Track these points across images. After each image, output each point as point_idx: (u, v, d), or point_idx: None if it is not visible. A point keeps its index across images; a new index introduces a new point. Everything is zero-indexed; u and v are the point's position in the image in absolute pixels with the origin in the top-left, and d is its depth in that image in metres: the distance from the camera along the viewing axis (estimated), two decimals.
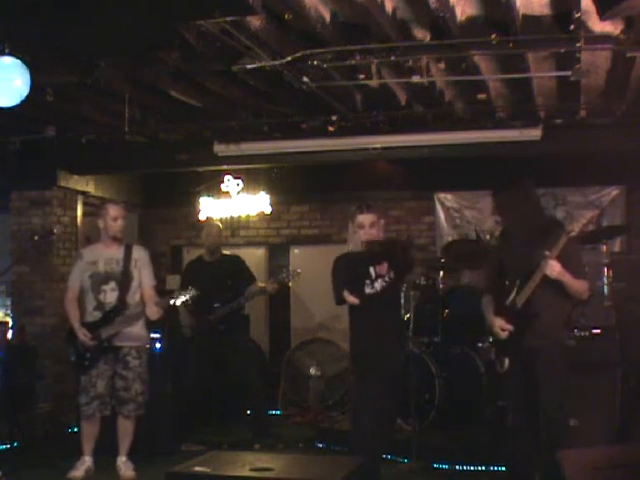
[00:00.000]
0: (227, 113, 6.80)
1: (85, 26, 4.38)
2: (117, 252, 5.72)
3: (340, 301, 5.08)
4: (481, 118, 6.94)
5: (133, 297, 5.69)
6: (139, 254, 5.78)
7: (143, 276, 5.73)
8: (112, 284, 5.65)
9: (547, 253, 4.34)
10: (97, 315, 5.63)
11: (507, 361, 4.55)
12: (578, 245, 4.75)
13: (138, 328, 5.69)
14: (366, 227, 5.02)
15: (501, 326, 4.54)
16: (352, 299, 4.98)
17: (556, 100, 6.47)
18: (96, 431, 5.64)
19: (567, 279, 4.39)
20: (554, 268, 4.33)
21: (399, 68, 5.45)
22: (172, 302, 5.71)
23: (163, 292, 5.91)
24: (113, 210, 5.73)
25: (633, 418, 5.67)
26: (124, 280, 5.65)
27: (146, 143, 7.54)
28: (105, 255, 5.71)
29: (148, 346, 5.88)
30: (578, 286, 4.46)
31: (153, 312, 5.63)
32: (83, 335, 5.54)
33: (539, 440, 4.49)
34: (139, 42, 4.73)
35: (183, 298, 5.69)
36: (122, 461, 5.66)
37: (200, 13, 4.23)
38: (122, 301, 5.62)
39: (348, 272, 5.08)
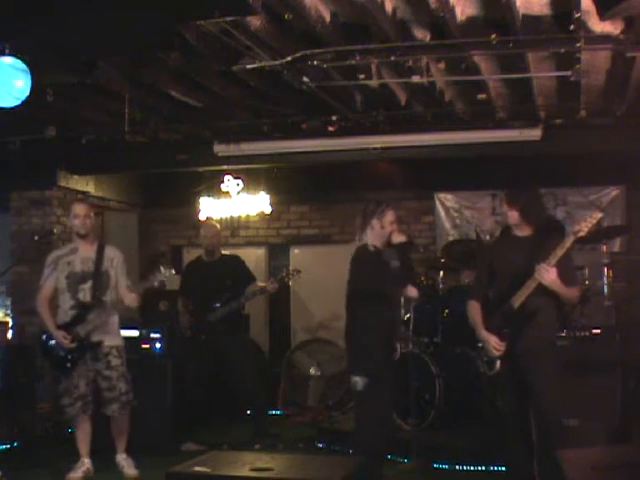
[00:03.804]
0: (227, 113, 6.80)
1: (85, 26, 4.38)
2: (91, 251, 5.68)
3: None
4: (481, 118, 6.94)
5: (110, 296, 5.62)
6: (114, 253, 5.73)
7: (119, 276, 5.69)
8: (90, 283, 5.60)
9: (546, 261, 4.33)
10: (72, 314, 5.58)
11: (498, 363, 4.53)
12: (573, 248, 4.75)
13: (113, 324, 5.64)
14: (395, 223, 5.02)
15: (495, 346, 4.50)
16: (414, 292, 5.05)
17: (556, 100, 6.47)
18: (88, 431, 5.61)
19: (558, 287, 4.39)
20: (549, 276, 4.34)
21: (399, 68, 5.45)
22: (149, 285, 5.65)
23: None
24: (74, 208, 5.72)
25: (633, 418, 5.67)
26: (98, 278, 5.60)
27: (146, 143, 7.53)
28: (80, 255, 5.67)
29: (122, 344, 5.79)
30: (568, 293, 4.49)
31: (131, 299, 5.57)
32: (63, 338, 5.48)
33: (532, 440, 4.49)
34: (139, 42, 4.73)
35: (159, 279, 5.60)
36: (122, 458, 5.66)
37: (200, 13, 4.23)
38: (96, 299, 5.56)
39: (406, 266, 4.95)
